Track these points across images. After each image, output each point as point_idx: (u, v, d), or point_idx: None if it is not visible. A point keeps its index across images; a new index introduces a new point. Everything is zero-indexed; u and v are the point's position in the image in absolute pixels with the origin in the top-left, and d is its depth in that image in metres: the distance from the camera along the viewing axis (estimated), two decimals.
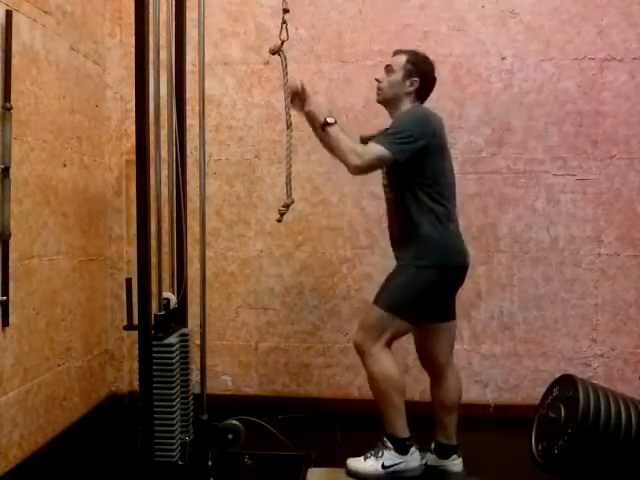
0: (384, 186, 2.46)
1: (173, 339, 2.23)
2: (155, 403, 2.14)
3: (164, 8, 2.37)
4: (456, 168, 3.06)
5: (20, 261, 2.37)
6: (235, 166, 3.19)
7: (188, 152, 2.55)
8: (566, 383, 2.01)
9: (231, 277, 3.21)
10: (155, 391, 2.14)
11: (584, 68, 3.05)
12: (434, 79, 2.44)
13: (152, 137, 2.20)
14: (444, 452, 2.45)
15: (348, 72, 3.13)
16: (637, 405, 1.91)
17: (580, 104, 3.05)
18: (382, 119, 2.46)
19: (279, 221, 2.40)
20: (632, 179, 3.05)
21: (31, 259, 2.46)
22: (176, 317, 2.38)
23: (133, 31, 2.11)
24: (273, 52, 2.35)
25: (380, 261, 2.98)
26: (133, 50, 2.10)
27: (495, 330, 3.11)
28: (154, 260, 2.23)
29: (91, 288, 3.02)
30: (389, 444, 2.32)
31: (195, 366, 2.47)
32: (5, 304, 2.25)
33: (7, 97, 2.23)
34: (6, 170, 2.22)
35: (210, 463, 2.29)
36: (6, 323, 2.26)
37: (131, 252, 3.19)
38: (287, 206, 2.38)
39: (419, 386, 2.96)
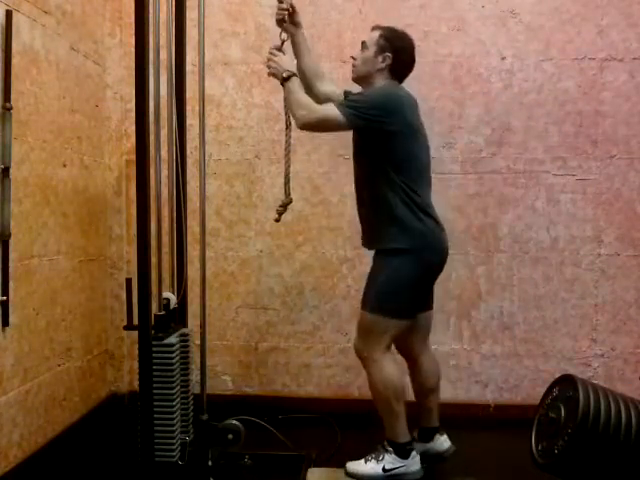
0: (353, 160, 2.40)
1: (173, 339, 2.23)
2: (155, 403, 2.14)
3: (164, 8, 2.37)
4: (456, 168, 3.10)
5: (20, 261, 2.37)
6: (235, 166, 3.19)
7: (188, 152, 2.55)
8: (566, 383, 2.01)
9: (231, 277, 3.21)
10: (155, 391, 2.14)
11: (584, 68, 3.05)
12: (410, 57, 2.36)
13: (152, 137, 2.20)
14: (427, 435, 2.45)
15: (348, 72, 3.08)
16: (637, 405, 1.91)
17: (580, 104, 3.05)
18: None
19: (277, 221, 2.40)
20: (632, 179, 3.05)
21: (31, 259, 2.46)
22: (176, 317, 2.38)
23: (133, 31, 2.11)
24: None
25: None
26: (133, 50, 2.11)
27: (495, 330, 3.11)
28: (154, 260, 2.23)
29: (91, 288, 3.02)
30: (390, 448, 2.31)
31: (195, 366, 2.47)
32: (5, 304, 2.25)
33: (7, 97, 2.23)
34: (6, 170, 2.22)
35: (210, 463, 2.29)
36: (6, 323, 2.26)
37: (131, 252, 3.19)
38: (285, 206, 2.38)
39: None
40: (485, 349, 3.12)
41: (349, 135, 2.37)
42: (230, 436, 2.34)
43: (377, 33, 2.34)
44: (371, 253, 2.42)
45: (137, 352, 2.16)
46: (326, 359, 3.18)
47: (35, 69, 2.49)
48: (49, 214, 2.61)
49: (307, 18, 3.09)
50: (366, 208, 2.37)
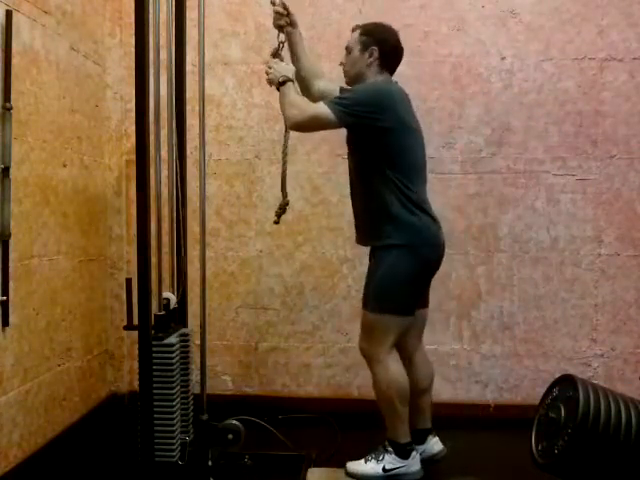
0: (348, 158, 2.41)
1: (173, 339, 2.23)
2: (155, 403, 2.14)
3: (164, 8, 2.37)
4: (456, 168, 3.10)
5: (20, 261, 2.37)
6: (235, 166, 3.19)
7: (188, 152, 2.55)
8: (566, 383, 2.01)
9: (231, 277, 3.21)
10: (155, 391, 2.14)
11: (584, 68, 3.05)
12: (396, 45, 2.34)
13: (152, 137, 2.20)
14: (420, 437, 2.44)
15: None
16: (637, 405, 1.91)
17: (580, 104, 3.05)
18: None
19: (276, 223, 2.41)
20: (632, 179, 3.05)
21: (31, 259, 2.46)
22: (176, 317, 2.38)
23: (133, 31, 2.11)
24: (273, 55, 2.36)
25: None
26: (133, 50, 2.11)
27: (495, 330, 3.11)
28: (154, 260, 2.23)
29: (91, 288, 3.02)
30: (390, 448, 2.31)
31: (195, 366, 2.47)
32: (5, 304, 2.25)
33: (7, 97, 2.23)
34: (6, 170, 2.22)
35: (210, 463, 2.29)
36: (6, 323, 2.26)
37: (131, 252, 3.19)
38: (283, 207, 2.39)
39: None
40: (485, 349, 3.12)
41: None
42: (230, 436, 2.34)
43: (357, 33, 2.35)
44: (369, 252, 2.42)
45: (137, 352, 2.16)
46: (326, 359, 3.18)
47: (35, 69, 2.49)
48: (49, 214, 2.61)
49: (307, 19, 3.11)
50: (361, 205, 2.37)
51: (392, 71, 2.37)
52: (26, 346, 2.42)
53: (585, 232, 3.07)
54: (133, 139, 2.17)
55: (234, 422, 2.36)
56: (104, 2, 3.16)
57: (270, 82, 2.32)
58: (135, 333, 2.17)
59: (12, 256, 2.29)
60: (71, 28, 2.81)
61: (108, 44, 3.20)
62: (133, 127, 2.14)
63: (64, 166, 2.74)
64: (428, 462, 2.43)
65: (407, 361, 2.45)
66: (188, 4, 2.47)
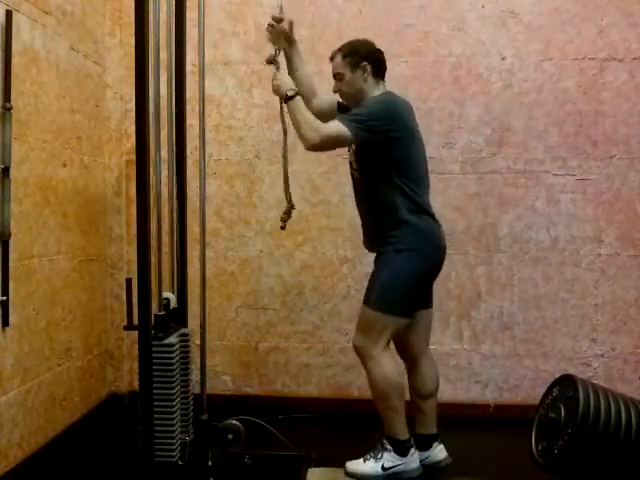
0: (351, 166, 2.43)
1: (173, 339, 2.23)
2: (155, 403, 2.14)
3: (164, 8, 2.37)
4: (456, 168, 3.10)
5: (20, 261, 2.37)
6: (235, 166, 3.19)
7: (188, 152, 2.55)
8: (566, 383, 2.01)
9: (231, 277, 3.21)
10: (155, 391, 2.14)
11: (584, 68, 3.05)
12: (379, 52, 2.40)
13: (152, 137, 2.20)
14: (425, 443, 2.44)
15: None
16: (637, 405, 1.91)
17: (580, 104, 3.05)
18: None
19: (282, 228, 2.41)
20: (632, 179, 3.05)
21: (31, 259, 2.46)
22: (176, 317, 2.38)
23: (133, 31, 2.11)
24: (269, 62, 2.36)
25: None
26: (133, 50, 2.11)
27: (495, 330, 3.11)
28: (154, 260, 2.23)
29: (91, 288, 3.02)
30: (388, 446, 2.31)
31: (195, 366, 2.47)
32: (5, 304, 2.25)
33: (7, 97, 2.23)
34: (6, 170, 2.22)
35: (210, 463, 2.29)
36: (6, 323, 2.26)
37: (131, 252, 3.19)
38: (288, 212, 2.40)
39: None
40: (485, 349, 3.12)
41: None
42: (230, 436, 2.34)
43: (339, 56, 2.37)
44: (372, 253, 2.43)
45: (137, 352, 2.16)
46: (326, 359, 3.18)
47: (35, 69, 2.49)
48: (49, 214, 2.61)
49: (307, 18, 3.11)
50: (369, 212, 2.41)
51: (384, 77, 2.43)
52: (26, 346, 2.43)
53: (585, 232, 3.07)
54: (133, 139, 2.17)
55: (234, 422, 2.36)
56: (104, 2, 3.16)
57: (276, 92, 2.32)
58: (135, 333, 2.17)
59: (12, 256, 2.29)
60: (71, 28, 2.81)
61: (108, 44, 3.20)
62: (133, 127, 2.14)
63: (64, 166, 2.74)
64: (430, 469, 2.41)
65: (412, 363, 2.46)
66: (188, 4, 2.47)
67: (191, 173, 2.59)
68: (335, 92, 2.44)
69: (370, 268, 2.41)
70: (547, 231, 3.08)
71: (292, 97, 2.25)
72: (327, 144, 2.28)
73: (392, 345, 2.40)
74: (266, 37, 2.38)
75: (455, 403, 3.06)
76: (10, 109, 2.23)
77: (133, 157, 2.17)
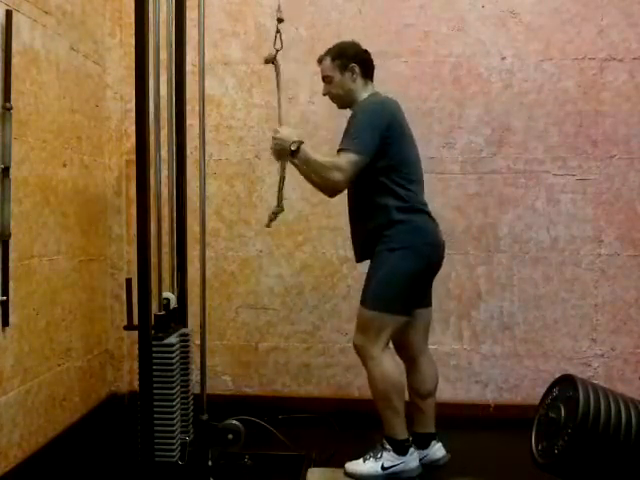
0: None
1: (173, 339, 2.23)
2: (155, 403, 2.14)
3: (164, 8, 2.37)
4: (456, 168, 3.10)
5: (20, 261, 2.37)
6: (235, 166, 3.19)
7: (188, 152, 2.55)
8: (566, 383, 2.01)
9: (231, 277, 3.21)
10: (155, 391, 2.14)
11: (584, 68, 3.05)
12: (366, 53, 2.41)
13: (152, 137, 2.20)
14: (423, 441, 2.44)
15: None
16: (637, 405, 1.91)
17: (580, 104, 3.05)
18: None
19: (268, 226, 2.43)
20: (632, 179, 3.05)
21: (31, 259, 2.46)
22: (176, 317, 2.38)
23: (133, 31, 2.11)
24: (267, 61, 2.37)
25: None
26: (133, 50, 2.10)
27: (495, 330, 3.11)
28: (154, 260, 2.23)
29: (91, 288, 3.02)
30: (388, 445, 2.32)
31: (195, 366, 2.47)
32: (5, 304, 2.25)
33: (7, 97, 2.23)
34: (6, 170, 2.22)
35: (210, 463, 2.29)
36: (6, 323, 2.26)
37: (131, 252, 3.19)
38: (275, 214, 2.41)
39: None
40: (485, 349, 3.12)
41: None
42: (230, 436, 2.34)
43: (328, 59, 2.39)
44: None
45: (137, 352, 2.15)
46: (326, 359, 3.18)
47: (35, 69, 2.49)
48: (49, 214, 2.61)
49: (307, 18, 3.12)
50: (362, 214, 2.39)
51: (372, 77, 2.44)
52: (26, 346, 2.43)
53: (585, 232, 3.07)
54: (133, 139, 2.17)
55: (234, 422, 2.36)
56: (104, 2, 3.16)
57: (279, 156, 2.30)
58: (135, 333, 2.17)
59: (12, 256, 2.29)
60: (71, 28, 2.81)
61: (108, 44, 3.20)
62: (133, 127, 2.14)
63: (64, 166, 2.74)
64: (429, 467, 2.42)
65: (411, 362, 2.46)
66: (188, 4, 2.47)
67: (191, 173, 2.58)
68: (324, 95, 2.46)
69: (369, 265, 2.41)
70: (547, 231, 3.08)
71: (297, 150, 2.23)
72: (353, 174, 2.23)
73: (392, 345, 2.40)
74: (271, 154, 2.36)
75: (455, 403, 3.06)
76: (10, 109, 2.23)
77: (133, 157, 2.17)
